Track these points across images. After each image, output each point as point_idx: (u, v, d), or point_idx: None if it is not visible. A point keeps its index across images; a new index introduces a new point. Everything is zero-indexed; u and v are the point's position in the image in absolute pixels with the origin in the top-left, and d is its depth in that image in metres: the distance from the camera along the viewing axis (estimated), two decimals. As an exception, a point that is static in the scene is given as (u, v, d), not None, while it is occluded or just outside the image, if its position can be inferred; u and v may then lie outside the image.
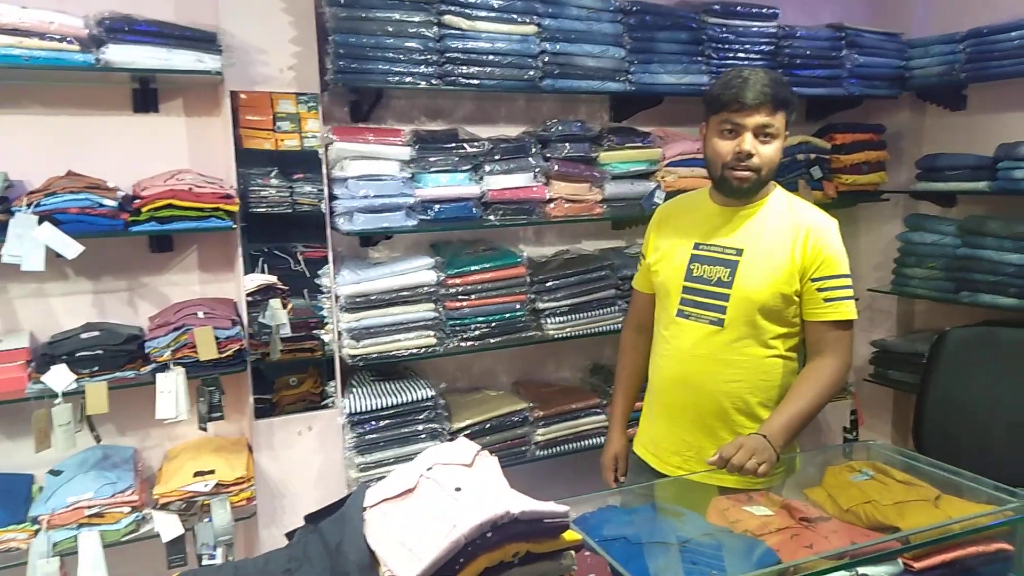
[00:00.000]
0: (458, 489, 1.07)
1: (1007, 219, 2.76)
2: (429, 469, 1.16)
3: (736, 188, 1.69)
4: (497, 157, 2.47)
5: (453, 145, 2.43)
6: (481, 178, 2.45)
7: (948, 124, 3.16)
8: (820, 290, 1.67)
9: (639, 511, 1.47)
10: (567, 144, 2.53)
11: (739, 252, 1.70)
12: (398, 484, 1.16)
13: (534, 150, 2.50)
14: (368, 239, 2.51)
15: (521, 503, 1.01)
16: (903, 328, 3.41)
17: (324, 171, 2.28)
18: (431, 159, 2.39)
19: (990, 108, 2.99)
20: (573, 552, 1.05)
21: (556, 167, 2.53)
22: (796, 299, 1.69)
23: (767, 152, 1.64)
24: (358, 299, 2.31)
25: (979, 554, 1.33)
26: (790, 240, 1.68)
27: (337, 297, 2.32)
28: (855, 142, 3.11)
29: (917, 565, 1.26)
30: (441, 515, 1.01)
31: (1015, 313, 2.65)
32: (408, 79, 2.27)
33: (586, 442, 2.59)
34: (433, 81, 2.30)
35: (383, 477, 1.30)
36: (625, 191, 2.65)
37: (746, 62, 2.80)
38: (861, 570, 1.24)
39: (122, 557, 2.01)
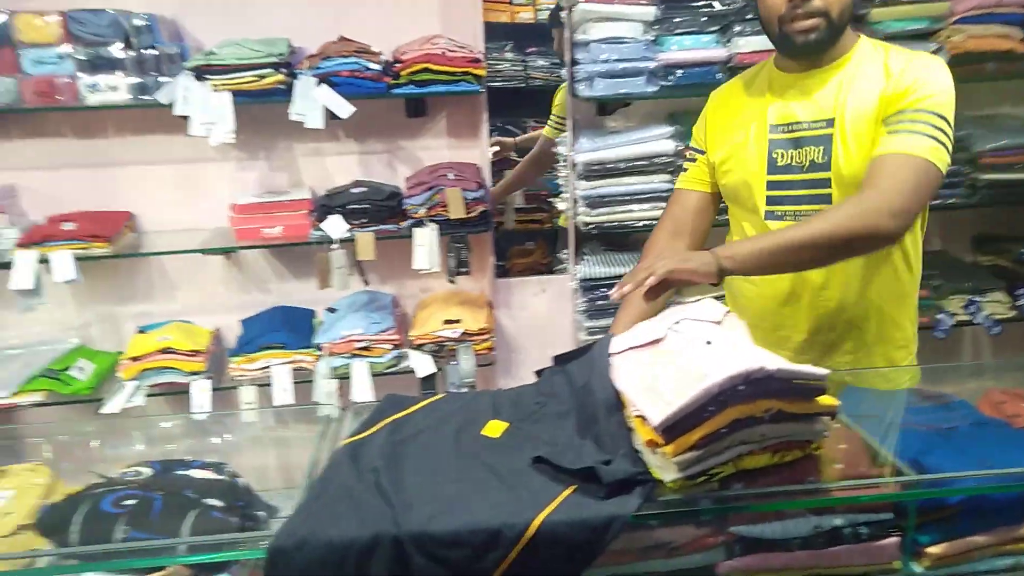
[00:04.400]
0: (709, 343, 1.07)
1: None
2: (677, 323, 1.18)
3: (803, 45, 1.35)
4: (748, 17, 2.26)
5: (701, 4, 2.26)
6: (729, 40, 2.27)
7: None
8: (887, 123, 1.32)
9: (896, 394, 1.38)
10: (834, -2, 2.24)
11: (830, 123, 1.38)
12: (645, 334, 1.19)
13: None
14: (604, 108, 2.48)
15: (776, 361, 0.99)
16: None
17: (567, 35, 2.26)
18: (676, 20, 2.25)
19: None
20: (828, 418, 1.02)
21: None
22: None
23: None
24: (594, 167, 2.32)
25: None
26: (879, 91, 1.34)
27: (574, 165, 2.35)
28: None
29: None
30: (692, 364, 1.03)
31: None
32: (660, -71, 2.12)
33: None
34: (686, -70, 2.14)
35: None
36: (899, 53, 2.32)
37: None
38: None
39: (384, 386, 2.32)
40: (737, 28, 2.26)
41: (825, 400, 1.01)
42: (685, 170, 1.64)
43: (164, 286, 2.47)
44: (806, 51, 1.38)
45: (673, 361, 1.08)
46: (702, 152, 1.59)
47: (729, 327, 1.17)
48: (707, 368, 0.99)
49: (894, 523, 1.03)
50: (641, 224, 2.36)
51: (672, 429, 0.98)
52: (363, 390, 2.26)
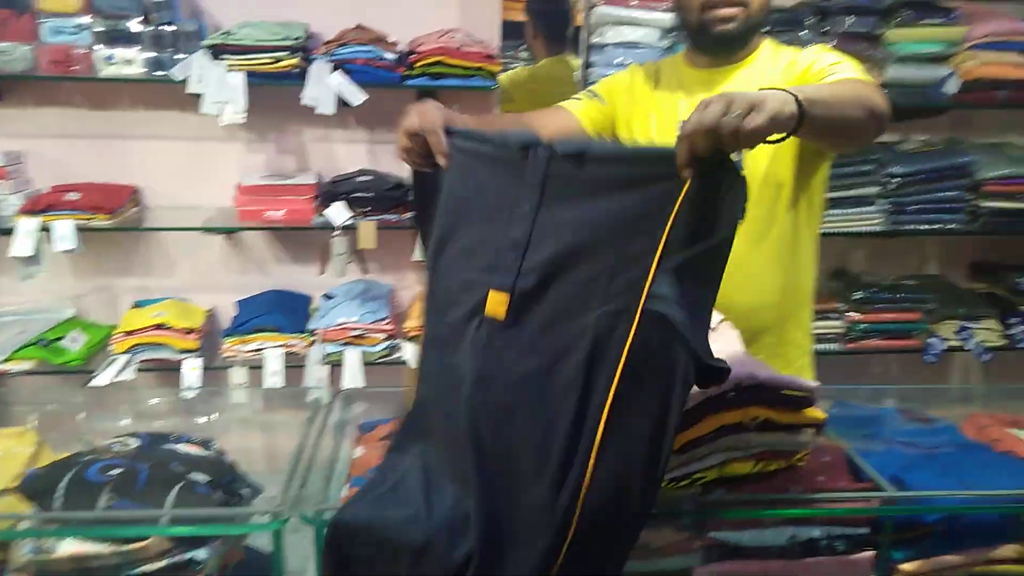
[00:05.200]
0: (702, 348, 1.08)
1: None
2: (672, 328, 1.18)
3: (719, 35, 1.31)
4: (767, 29, 2.27)
5: (718, 15, 2.27)
6: (743, 52, 2.28)
7: None
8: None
9: (881, 411, 1.39)
10: (851, 16, 2.26)
11: None
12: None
13: (810, 22, 2.27)
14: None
15: (767, 370, 1.00)
16: None
17: (585, 37, 2.27)
18: (692, 29, 2.26)
19: None
20: (813, 430, 1.03)
21: (832, 44, 2.27)
22: (817, 163, 1.34)
23: None
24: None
25: None
26: (788, 83, 1.27)
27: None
28: None
29: None
30: (683, 369, 1.04)
31: None
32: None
33: (820, 346, 2.45)
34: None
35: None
36: (910, 76, 2.33)
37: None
38: None
39: (375, 375, 2.32)
40: (751, 42, 2.27)
41: (812, 412, 1.02)
42: (577, 99, 1.49)
43: (163, 262, 2.48)
44: (722, 42, 1.34)
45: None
46: (604, 103, 1.48)
47: (724, 334, 1.18)
48: (697, 373, 1.00)
49: (871, 538, 1.04)
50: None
51: (659, 432, 0.98)
52: (354, 378, 2.26)
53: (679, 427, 0.95)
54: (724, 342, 1.14)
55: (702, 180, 0.80)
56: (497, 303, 0.91)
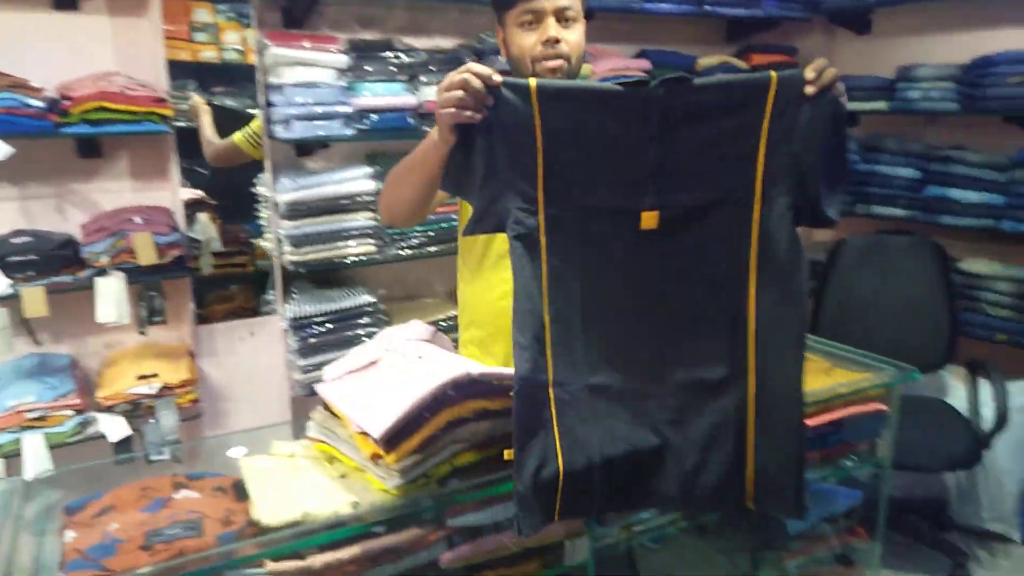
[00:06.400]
0: (420, 357, 1.18)
1: (902, 137, 3.03)
2: (390, 344, 1.27)
3: None
4: (433, 68, 2.49)
5: (390, 54, 2.43)
6: (418, 88, 2.47)
7: (855, 47, 3.37)
8: None
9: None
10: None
11: None
12: (361, 359, 1.27)
13: (470, 62, 2.53)
14: (304, 149, 2.51)
15: (478, 367, 1.13)
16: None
17: (261, 78, 2.26)
18: (367, 68, 2.39)
19: (893, 32, 3.22)
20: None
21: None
22: None
23: (572, 38, 1.49)
24: (298, 206, 2.33)
25: (861, 414, 1.56)
26: None
27: (276, 204, 2.34)
28: (770, 63, 3.28)
29: (809, 423, 1.48)
30: (406, 378, 1.13)
31: (903, 223, 2.95)
32: (344, -17, 2.25)
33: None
34: (370, -15, 2.30)
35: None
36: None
37: (672, -18, 2.89)
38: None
39: (67, 457, 2.03)
40: (424, 79, 2.47)
41: (520, 396, 1.18)
42: None
43: None
44: None
45: (390, 378, 1.17)
46: None
47: (439, 342, 1.30)
48: (421, 378, 1.10)
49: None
50: (349, 260, 2.43)
51: (392, 440, 1.07)
52: (39, 467, 1.97)
53: (411, 432, 1.05)
54: (440, 348, 1.27)
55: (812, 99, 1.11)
56: (650, 218, 1.12)
